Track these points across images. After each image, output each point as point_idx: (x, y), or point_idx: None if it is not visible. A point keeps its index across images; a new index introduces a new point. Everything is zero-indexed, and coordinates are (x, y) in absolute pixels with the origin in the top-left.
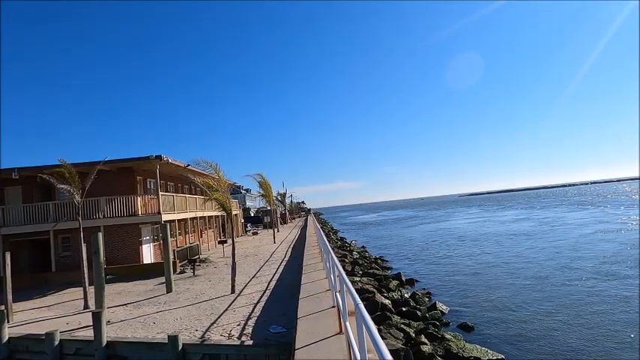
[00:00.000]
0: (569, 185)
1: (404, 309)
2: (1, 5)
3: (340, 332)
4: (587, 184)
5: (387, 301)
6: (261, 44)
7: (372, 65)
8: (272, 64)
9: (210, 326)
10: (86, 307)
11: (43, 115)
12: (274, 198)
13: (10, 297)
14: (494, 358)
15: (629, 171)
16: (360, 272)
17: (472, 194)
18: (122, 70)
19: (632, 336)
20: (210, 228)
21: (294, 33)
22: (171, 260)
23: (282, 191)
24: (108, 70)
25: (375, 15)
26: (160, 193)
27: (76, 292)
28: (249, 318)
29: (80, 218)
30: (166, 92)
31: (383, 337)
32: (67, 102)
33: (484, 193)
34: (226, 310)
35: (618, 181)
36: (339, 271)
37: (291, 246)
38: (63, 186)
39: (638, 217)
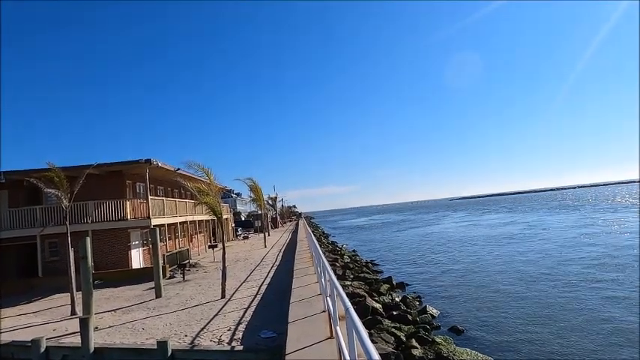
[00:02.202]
0: (559, 189)
1: (395, 313)
2: (1, 6)
3: (331, 337)
4: (573, 187)
5: (377, 305)
6: (266, 46)
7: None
8: (271, 65)
9: (200, 332)
10: (73, 313)
11: (43, 118)
12: (265, 202)
13: None
14: None
15: (622, 173)
16: (351, 276)
17: (463, 198)
18: (121, 72)
19: (622, 339)
20: (200, 232)
21: (300, 33)
22: (160, 265)
23: (273, 195)
24: (108, 72)
25: (370, 16)
26: (150, 197)
27: (63, 298)
28: (239, 323)
29: (68, 223)
30: (165, 94)
31: (374, 342)
32: (66, 104)
33: (475, 197)
34: (216, 315)
35: (605, 185)
36: (330, 276)
37: (282, 250)
38: (51, 190)
39: (619, 220)
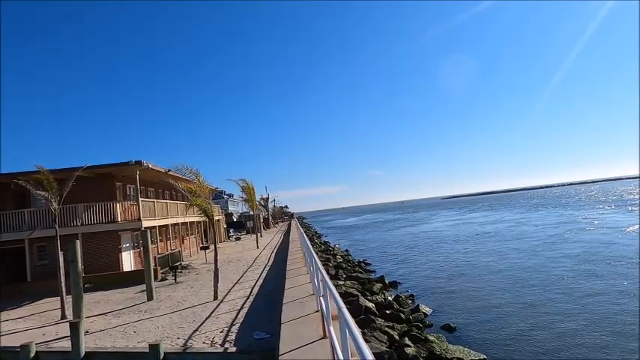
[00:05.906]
0: (548, 187)
1: (388, 312)
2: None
3: (324, 337)
4: (562, 185)
5: (370, 304)
6: (259, 49)
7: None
8: (269, 67)
9: (192, 334)
10: (63, 317)
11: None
12: (257, 203)
13: None
14: (477, 358)
15: (610, 171)
16: (344, 276)
17: (455, 196)
18: (121, 75)
19: (616, 334)
20: (192, 234)
21: (290, 38)
22: (152, 267)
23: (265, 196)
24: (109, 76)
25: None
26: (140, 199)
27: (53, 302)
28: (232, 324)
29: (57, 226)
30: (160, 98)
31: (367, 341)
32: (66, 110)
33: (467, 195)
34: (209, 317)
35: (593, 182)
36: (323, 276)
37: (275, 251)
38: (40, 193)
39: (600, 216)
